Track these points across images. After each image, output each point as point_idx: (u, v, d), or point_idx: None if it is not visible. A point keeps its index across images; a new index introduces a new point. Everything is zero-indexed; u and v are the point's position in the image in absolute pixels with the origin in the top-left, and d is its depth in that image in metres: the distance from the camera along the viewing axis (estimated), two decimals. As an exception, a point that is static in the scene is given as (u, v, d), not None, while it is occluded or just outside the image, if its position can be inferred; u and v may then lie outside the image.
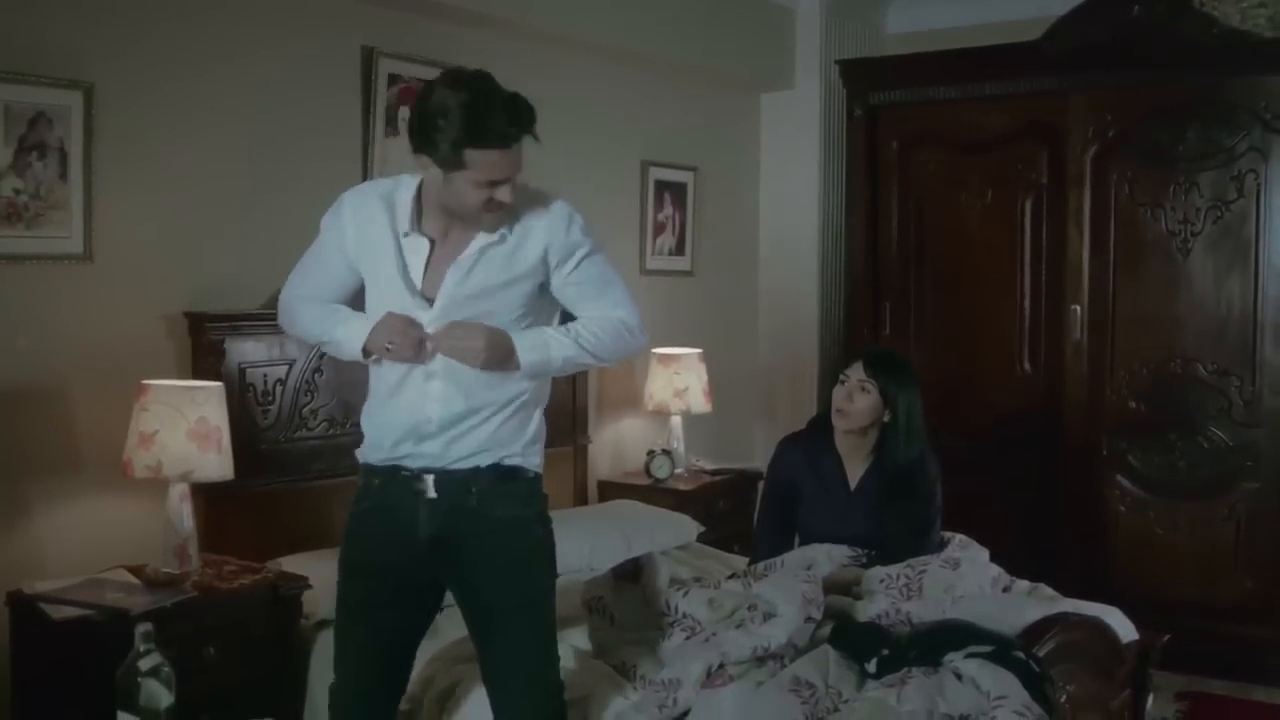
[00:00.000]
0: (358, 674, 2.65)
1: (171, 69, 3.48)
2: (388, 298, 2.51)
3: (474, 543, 2.53)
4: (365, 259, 2.55)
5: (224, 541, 3.45)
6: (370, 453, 2.61)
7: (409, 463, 2.53)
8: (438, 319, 2.46)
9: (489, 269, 2.47)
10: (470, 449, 2.51)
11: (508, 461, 2.53)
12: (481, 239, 2.45)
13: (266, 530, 3.56)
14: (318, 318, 2.61)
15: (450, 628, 2.96)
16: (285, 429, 3.72)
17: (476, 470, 2.51)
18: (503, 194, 2.39)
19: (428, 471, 2.52)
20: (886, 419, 3.58)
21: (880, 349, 3.68)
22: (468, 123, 2.31)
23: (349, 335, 2.52)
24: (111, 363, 3.32)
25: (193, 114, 3.55)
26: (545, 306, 2.58)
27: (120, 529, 3.34)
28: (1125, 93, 4.95)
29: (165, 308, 3.49)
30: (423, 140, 2.39)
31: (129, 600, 2.92)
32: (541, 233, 2.49)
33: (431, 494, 2.52)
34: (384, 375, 2.55)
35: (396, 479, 2.55)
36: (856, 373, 3.58)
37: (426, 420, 2.50)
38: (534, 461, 2.60)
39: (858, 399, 3.56)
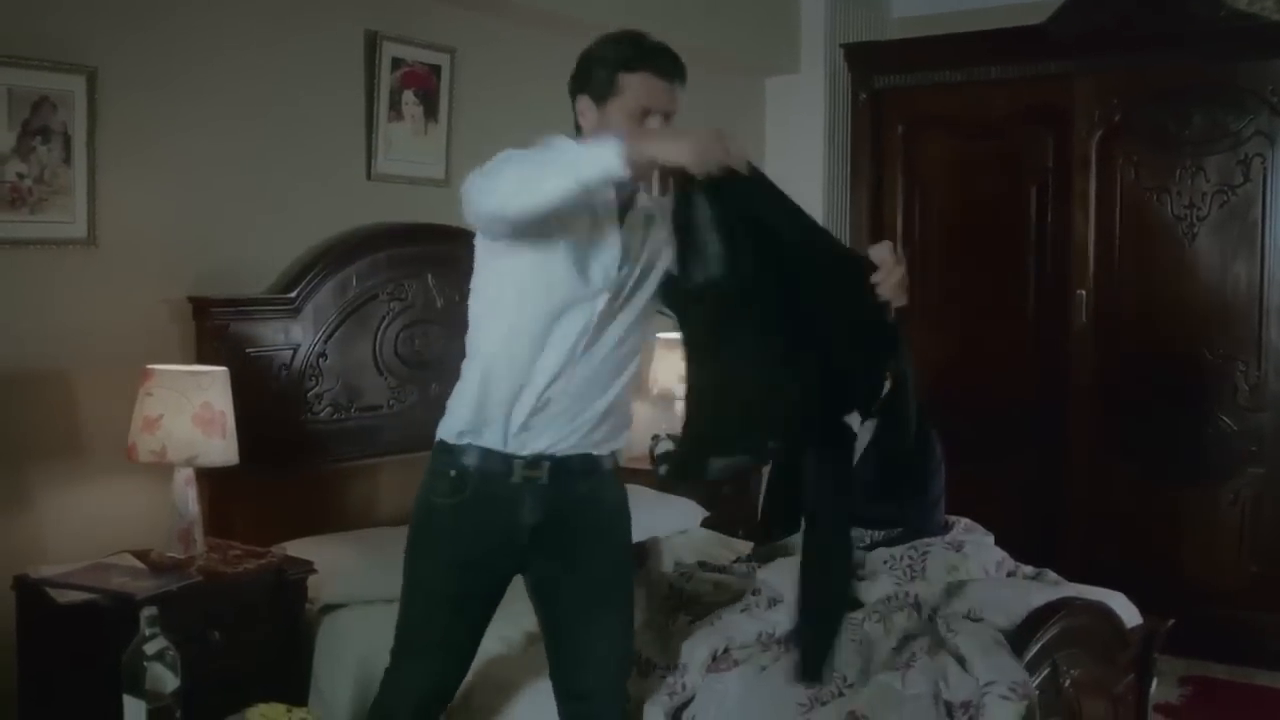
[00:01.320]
0: (444, 670, 2.65)
1: (175, 53, 3.47)
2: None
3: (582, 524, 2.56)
4: None
5: (229, 526, 3.46)
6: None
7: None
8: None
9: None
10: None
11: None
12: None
13: (271, 515, 3.55)
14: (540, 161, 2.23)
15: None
16: (290, 413, 3.71)
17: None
18: (653, 123, 2.36)
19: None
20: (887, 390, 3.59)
21: None
22: (626, 47, 2.36)
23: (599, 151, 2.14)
24: (116, 347, 3.32)
25: (196, 98, 3.54)
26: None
27: (125, 513, 3.34)
28: (1131, 76, 4.93)
29: (169, 292, 3.49)
30: (580, 77, 2.40)
31: (134, 584, 2.93)
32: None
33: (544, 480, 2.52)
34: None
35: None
36: None
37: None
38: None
39: None
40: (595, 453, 2.55)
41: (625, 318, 2.48)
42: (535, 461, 2.48)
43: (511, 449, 2.48)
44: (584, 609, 2.59)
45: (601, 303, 2.42)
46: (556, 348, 2.42)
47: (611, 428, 2.57)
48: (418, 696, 2.64)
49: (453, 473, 2.52)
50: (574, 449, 2.51)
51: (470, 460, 2.50)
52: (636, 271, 2.45)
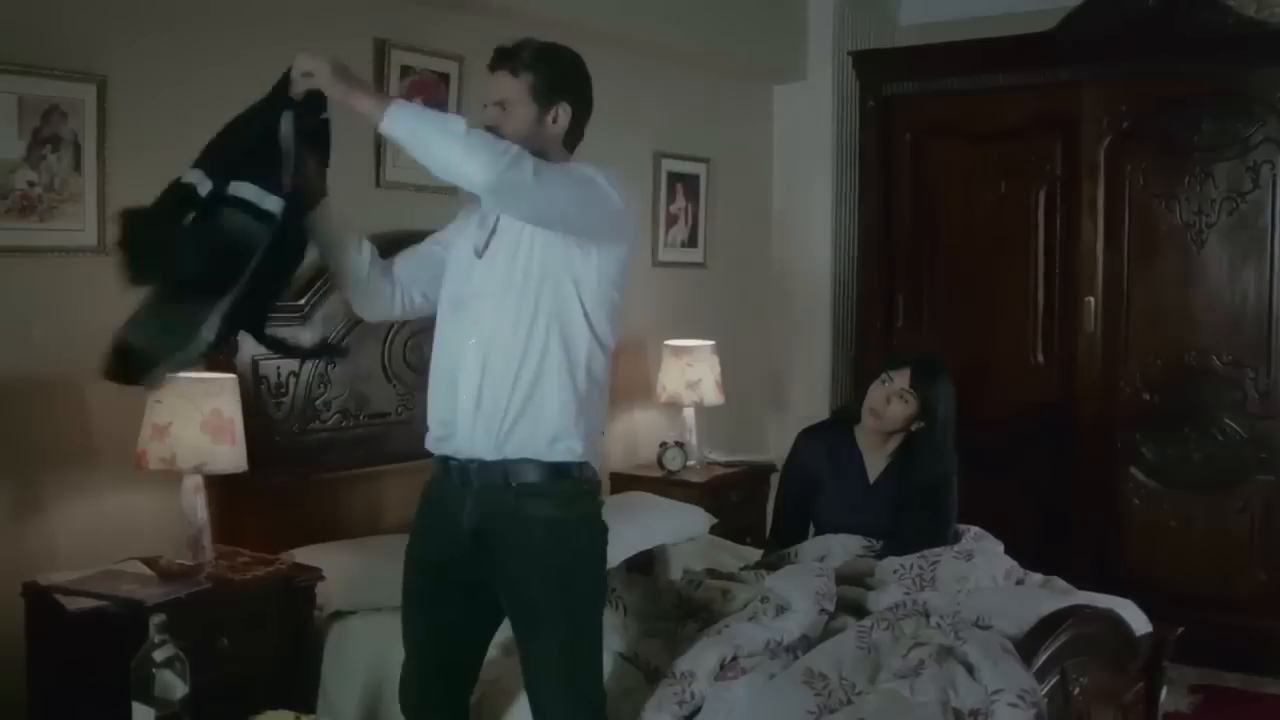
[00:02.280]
0: (422, 666, 2.67)
1: (184, 62, 3.48)
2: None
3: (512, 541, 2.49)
4: None
5: (238, 533, 3.46)
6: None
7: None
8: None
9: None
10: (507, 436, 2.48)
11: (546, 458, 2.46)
12: None
13: (280, 522, 3.56)
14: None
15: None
16: (299, 421, 3.72)
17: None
18: (486, 116, 2.49)
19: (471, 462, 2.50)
20: (916, 428, 3.57)
21: (927, 357, 3.55)
22: None
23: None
24: (125, 355, 3.33)
25: (205, 107, 3.52)
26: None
27: (134, 521, 3.35)
28: (1140, 83, 4.93)
29: (179, 300, 3.49)
30: None
31: (143, 591, 2.93)
32: None
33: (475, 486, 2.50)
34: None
35: (446, 468, 2.56)
36: (902, 379, 3.55)
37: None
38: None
39: (895, 406, 3.55)
40: (516, 459, 2.45)
41: (488, 305, 2.47)
42: (465, 465, 2.50)
43: (448, 451, 2.53)
44: (519, 631, 2.55)
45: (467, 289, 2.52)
46: (447, 340, 2.54)
47: (531, 434, 2.44)
48: (409, 692, 2.68)
49: (430, 476, 2.63)
50: (494, 454, 2.46)
51: (435, 464, 2.60)
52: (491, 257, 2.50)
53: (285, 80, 2.46)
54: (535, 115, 2.51)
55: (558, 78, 2.53)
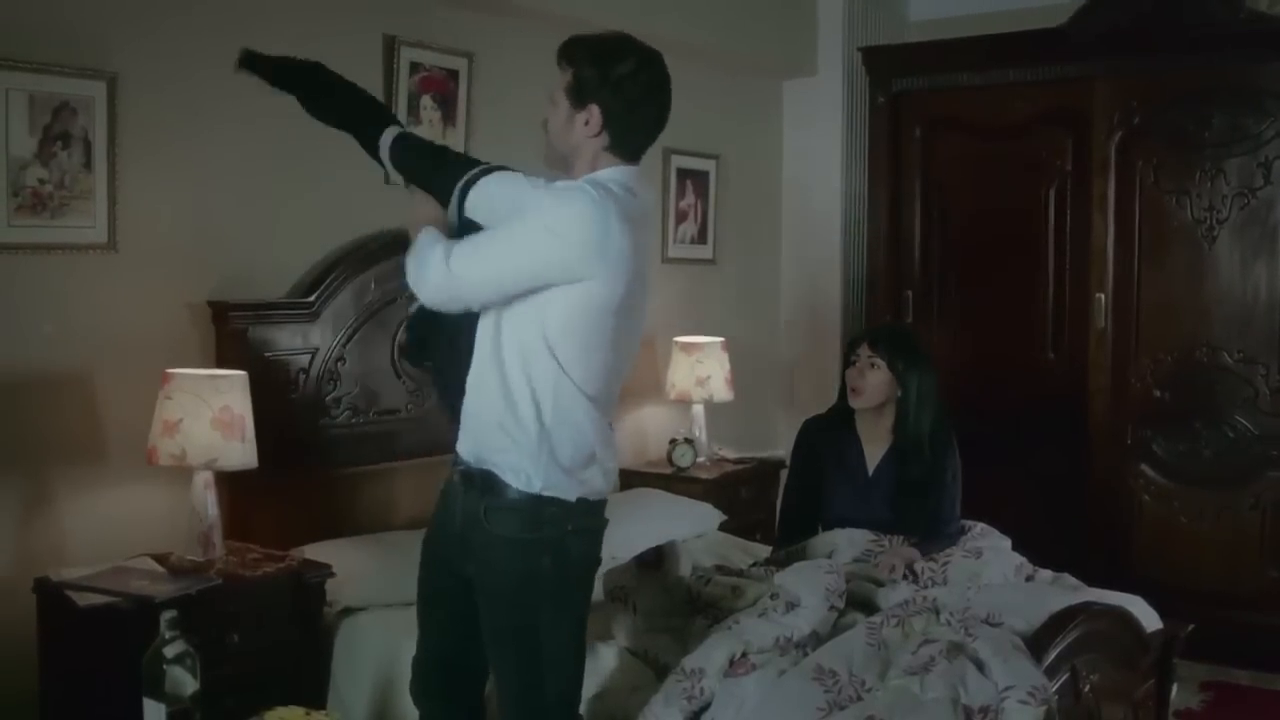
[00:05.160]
0: (432, 658, 2.66)
1: (194, 59, 3.49)
2: None
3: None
4: None
5: (248, 529, 3.47)
6: None
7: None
8: None
9: None
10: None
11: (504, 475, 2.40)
12: None
13: (290, 518, 3.57)
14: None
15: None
16: (309, 417, 3.73)
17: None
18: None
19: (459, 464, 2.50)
20: (899, 394, 3.62)
21: (885, 326, 3.79)
22: None
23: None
24: (136, 351, 3.34)
25: (215, 103, 3.56)
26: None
27: (145, 517, 3.36)
28: (1151, 78, 4.91)
29: (189, 296, 3.50)
30: None
31: (154, 588, 2.94)
32: None
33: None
34: None
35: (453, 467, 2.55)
36: (864, 351, 3.66)
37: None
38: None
39: (869, 375, 3.65)
40: (490, 471, 2.40)
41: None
42: (454, 462, 2.50)
43: (458, 449, 2.51)
44: (487, 639, 2.50)
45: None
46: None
47: (502, 453, 2.39)
48: (420, 680, 2.67)
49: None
50: (475, 462, 2.43)
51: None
52: None
53: None
54: (567, 114, 2.41)
55: (597, 77, 2.38)
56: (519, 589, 2.41)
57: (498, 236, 2.35)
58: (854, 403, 3.69)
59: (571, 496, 2.39)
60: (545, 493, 2.37)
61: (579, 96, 2.39)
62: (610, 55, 2.40)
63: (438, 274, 2.34)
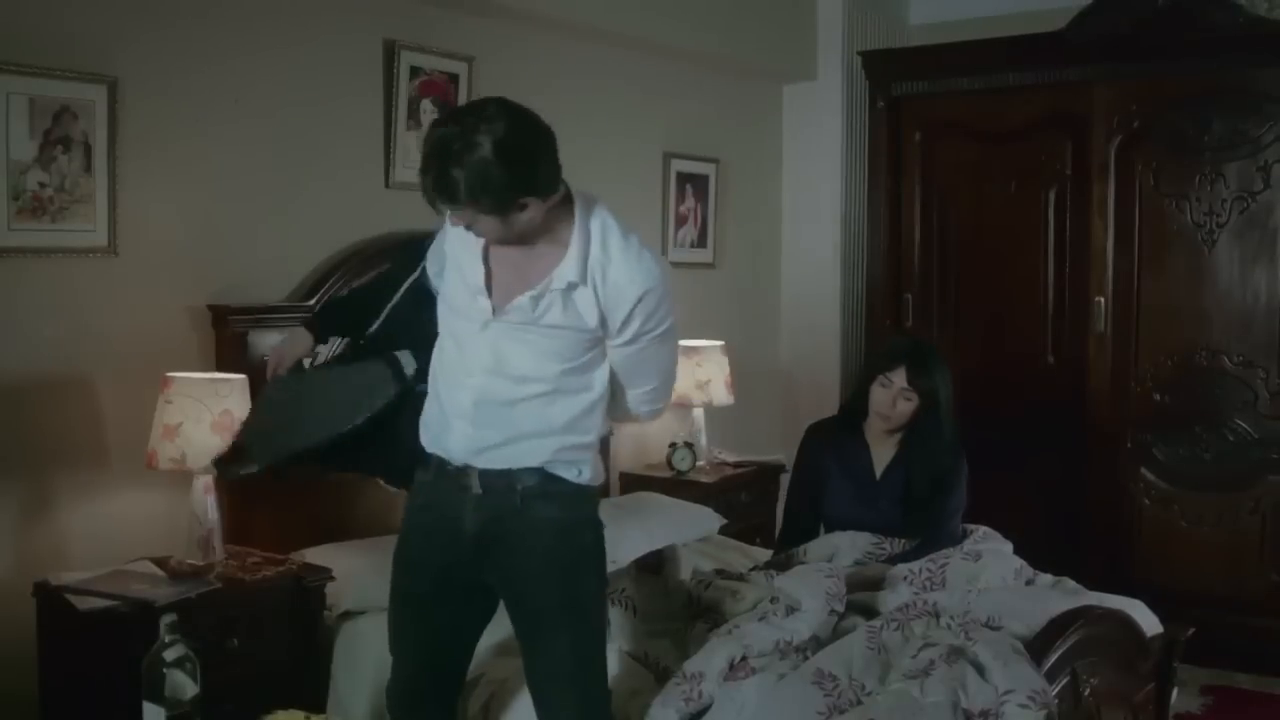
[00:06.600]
0: (412, 668, 2.68)
1: (195, 63, 3.49)
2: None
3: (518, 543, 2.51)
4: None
5: (248, 533, 3.47)
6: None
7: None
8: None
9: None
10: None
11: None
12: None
13: (290, 522, 3.57)
14: None
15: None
16: (308, 421, 3.72)
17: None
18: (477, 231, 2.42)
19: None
20: (923, 415, 3.60)
21: (918, 350, 3.52)
22: None
23: None
24: (136, 355, 3.34)
25: (216, 107, 3.56)
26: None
27: (145, 521, 3.36)
28: (1150, 83, 4.92)
29: (189, 300, 3.51)
30: None
31: (154, 591, 2.94)
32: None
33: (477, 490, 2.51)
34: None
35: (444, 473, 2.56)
36: (899, 379, 3.58)
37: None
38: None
39: (900, 405, 3.59)
40: (517, 468, 2.48)
41: (500, 336, 2.47)
42: (464, 470, 2.51)
43: (445, 455, 2.53)
44: (523, 634, 2.58)
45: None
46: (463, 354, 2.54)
47: (536, 444, 2.47)
48: (399, 694, 2.70)
49: (421, 479, 2.62)
50: (496, 462, 2.48)
51: (431, 466, 2.58)
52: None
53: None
54: (499, 222, 2.34)
55: (502, 191, 2.27)
56: (570, 565, 2.52)
57: (660, 324, 2.61)
58: (879, 425, 3.64)
59: (598, 482, 2.59)
60: (593, 482, 2.56)
61: (501, 208, 2.31)
62: (490, 166, 2.23)
63: (669, 390, 2.79)
